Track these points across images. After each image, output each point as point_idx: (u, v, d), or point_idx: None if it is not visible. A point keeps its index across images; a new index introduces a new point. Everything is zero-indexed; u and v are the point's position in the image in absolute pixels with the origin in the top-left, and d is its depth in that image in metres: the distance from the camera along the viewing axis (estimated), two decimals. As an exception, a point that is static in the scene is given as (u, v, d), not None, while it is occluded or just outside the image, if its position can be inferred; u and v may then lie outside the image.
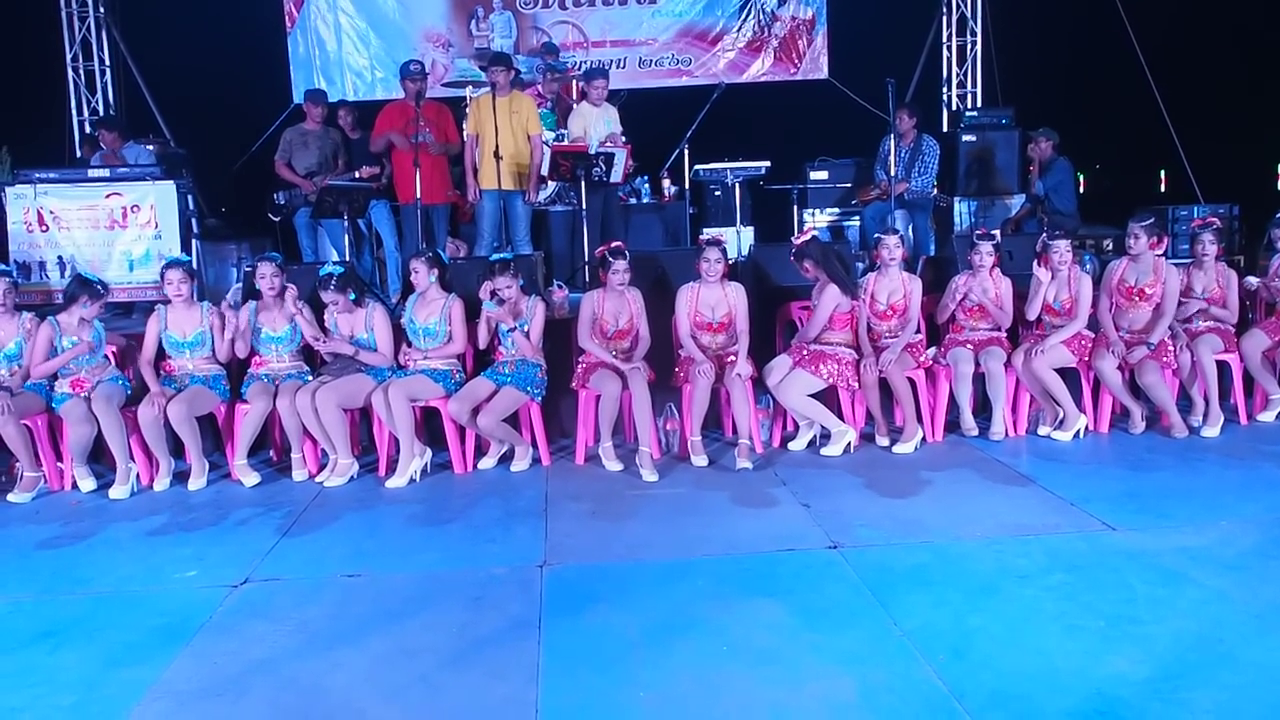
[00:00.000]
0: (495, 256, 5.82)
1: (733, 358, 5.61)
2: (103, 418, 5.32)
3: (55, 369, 5.47)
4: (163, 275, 5.60)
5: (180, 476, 5.48)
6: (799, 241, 5.89)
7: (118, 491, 5.31)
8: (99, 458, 5.70)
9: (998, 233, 6.27)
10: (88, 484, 5.43)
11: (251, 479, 5.44)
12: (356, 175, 7.68)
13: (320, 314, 5.77)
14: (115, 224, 7.37)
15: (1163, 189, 13.01)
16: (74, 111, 11.11)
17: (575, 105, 8.38)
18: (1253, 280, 6.17)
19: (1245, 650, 3.14)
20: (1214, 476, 5.02)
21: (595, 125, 7.83)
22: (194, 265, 5.86)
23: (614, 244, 5.82)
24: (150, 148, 9.17)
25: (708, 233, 6.17)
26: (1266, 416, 5.95)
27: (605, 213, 7.77)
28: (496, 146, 7.09)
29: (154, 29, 10.84)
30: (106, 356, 5.66)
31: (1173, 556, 3.91)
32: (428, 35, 11.41)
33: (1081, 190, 9.42)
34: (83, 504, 5.29)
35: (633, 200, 9.06)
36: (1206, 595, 3.56)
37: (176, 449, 5.75)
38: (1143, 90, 10.35)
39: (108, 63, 11.20)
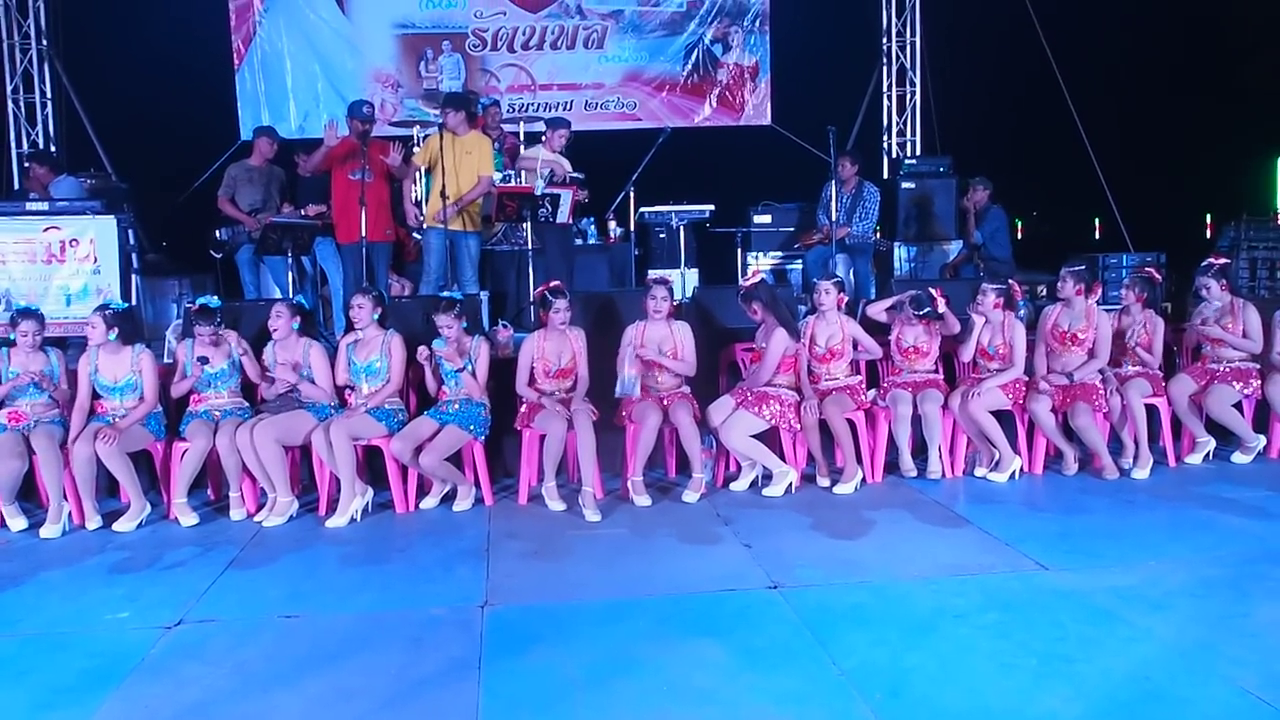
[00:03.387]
0: (444, 295, 5.83)
1: (679, 399, 5.66)
2: (42, 454, 5.23)
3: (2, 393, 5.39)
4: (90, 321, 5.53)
5: (115, 516, 5.37)
6: (748, 284, 5.97)
7: (49, 530, 5.20)
8: (29, 496, 5.59)
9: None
10: (17, 523, 5.32)
11: (190, 519, 5.36)
12: (303, 213, 7.65)
13: (259, 350, 5.74)
14: (53, 258, 7.24)
15: (1097, 236, 13.34)
16: (13, 144, 10.93)
17: (523, 148, 8.43)
18: None
19: (1172, 688, 3.21)
20: (1143, 517, 5.14)
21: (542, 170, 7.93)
22: (126, 309, 5.74)
23: (553, 283, 5.85)
24: (88, 182, 9.03)
25: (654, 273, 6.18)
26: (1194, 459, 6.11)
27: (564, 251, 7.85)
28: (443, 186, 7.11)
29: (98, 62, 10.73)
30: (53, 398, 5.52)
31: (1103, 596, 3.99)
32: (377, 75, 11.45)
33: (1019, 236, 9.62)
34: (11, 544, 5.16)
35: (578, 241, 9.11)
36: (1135, 634, 3.64)
37: (113, 488, 5.66)
38: (1077, 140, 10.66)
39: (49, 95, 11.06)
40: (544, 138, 8.36)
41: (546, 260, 7.74)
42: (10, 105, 10.93)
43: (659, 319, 5.75)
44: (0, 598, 4.38)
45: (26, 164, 9.25)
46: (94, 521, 5.32)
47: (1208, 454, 6.14)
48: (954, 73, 11.52)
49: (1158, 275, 6.46)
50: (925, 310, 5.93)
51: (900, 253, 9.70)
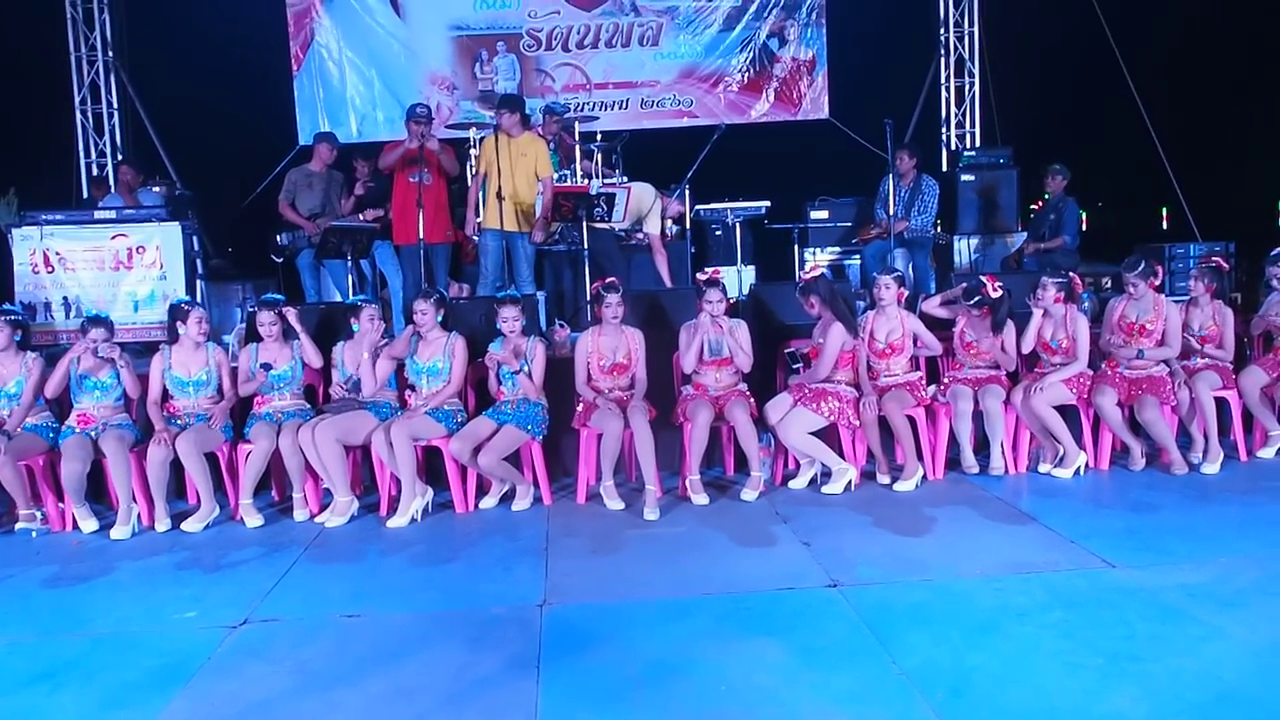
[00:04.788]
0: (502, 294, 5.89)
1: (735, 397, 5.64)
2: (111, 457, 5.35)
3: (61, 374, 5.52)
4: (186, 316, 5.68)
5: (181, 517, 5.48)
6: (808, 276, 5.92)
7: (119, 532, 5.32)
8: (100, 498, 5.73)
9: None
10: (89, 524, 5.44)
11: (255, 520, 5.45)
12: (361, 217, 7.76)
13: (327, 349, 5.84)
14: (121, 265, 7.42)
15: (1164, 226, 13.04)
16: (82, 154, 11.20)
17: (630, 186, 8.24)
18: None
19: (1244, 688, 3.13)
20: (1214, 513, 5.01)
21: (648, 212, 8.06)
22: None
23: (607, 280, 5.86)
24: (157, 190, 9.26)
25: (707, 272, 6.13)
26: (1266, 453, 5.95)
27: (619, 250, 7.97)
28: (499, 187, 7.16)
29: (161, 72, 10.97)
30: (120, 399, 5.68)
31: (1172, 594, 3.90)
32: (432, 78, 11.54)
33: (1084, 228, 9.44)
34: (84, 544, 5.29)
35: (634, 241, 9.13)
36: (1206, 632, 3.55)
37: (179, 489, 5.78)
38: (1141, 128, 10.43)
39: (115, 105, 11.32)
40: (662, 199, 8.28)
41: (601, 260, 7.75)
42: (78, 116, 11.21)
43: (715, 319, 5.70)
44: (72, 597, 4.50)
45: (115, 167, 9.50)
46: (164, 524, 5.42)
47: (1281, 448, 5.98)
48: (1014, 62, 11.32)
49: (1226, 265, 6.29)
50: (977, 299, 5.85)
51: (960, 246, 9.58)
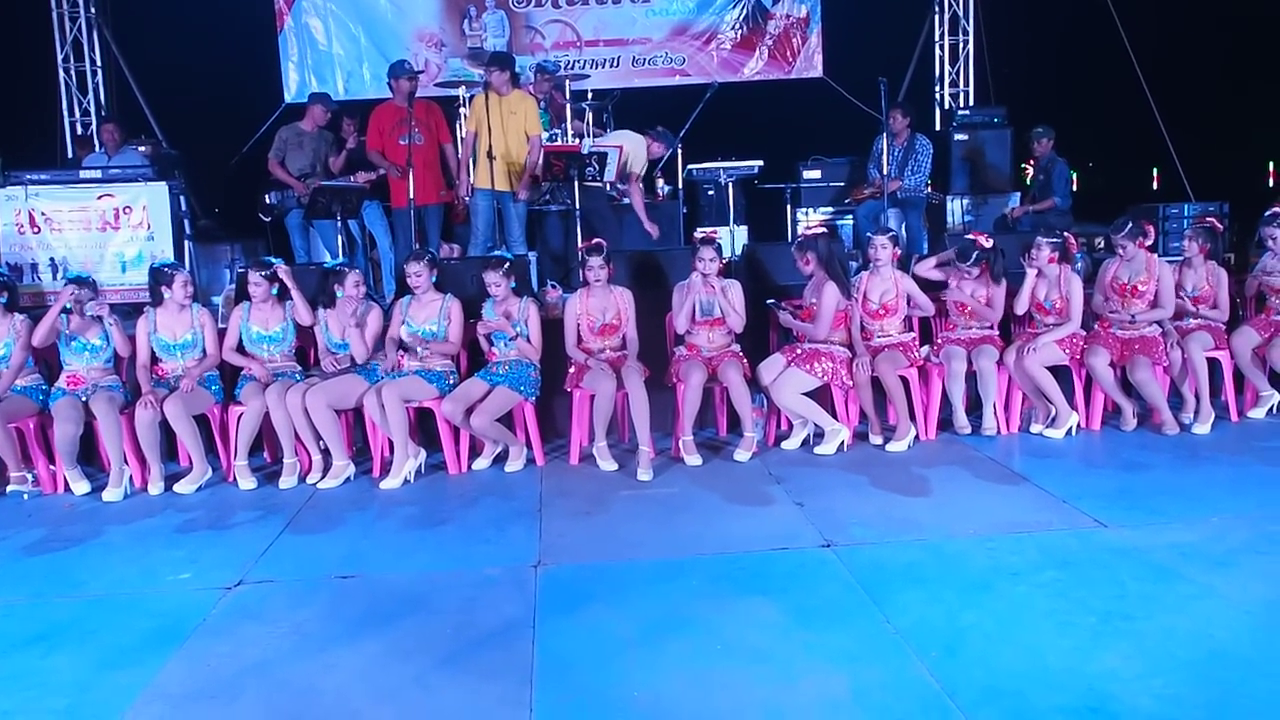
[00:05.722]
0: (493, 255, 5.85)
1: (728, 357, 5.63)
2: (102, 419, 5.32)
3: (49, 325, 5.45)
4: (170, 280, 5.61)
5: (174, 479, 5.46)
6: (810, 232, 5.89)
7: (111, 494, 5.30)
8: (91, 460, 5.71)
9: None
10: (81, 486, 5.42)
11: (249, 481, 5.43)
12: (352, 179, 7.68)
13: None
14: (107, 225, 7.34)
15: (1155, 187, 13.03)
16: (65, 113, 11.04)
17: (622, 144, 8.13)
18: None
19: (1235, 646, 3.15)
20: (1205, 473, 5.04)
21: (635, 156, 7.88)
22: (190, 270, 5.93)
23: (592, 241, 5.83)
24: (141, 149, 9.14)
25: (701, 231, 6.09)
26: (1257, 413, 5.98)
27: (611, 210, 7.90)
28: (490, 146, 7.09)
29: (145, 29, 10.79)
30: (110, 360, 5.64)
31: (1164, 553, 3.92)
32: (420, 35, 11.40)
33: (1075, 188, 9.43)
34: (76, 507, 5.28)
35: (625, 200, 9.08)
36: (1197, 591, 3.57)
37: (171, 452, 5.75)
38: (1135, 89, 10.37)
39: (99, 63, 11.15)
40: (649, 141, 8.04)
41: (593, 220, 7.70)
42: (61, 74, 11.04)
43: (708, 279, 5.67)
44: (66, 559, 4.49)
45: (100, 125, 9.39)
46: (157, 486, 5.40)
47: (1271, 408, 6.01)
48: (1008, 20, 11.22)
49: (1220, 225, 6.29)
50: (974, 256, 5.85)
51: (953, 206, 9.54)
